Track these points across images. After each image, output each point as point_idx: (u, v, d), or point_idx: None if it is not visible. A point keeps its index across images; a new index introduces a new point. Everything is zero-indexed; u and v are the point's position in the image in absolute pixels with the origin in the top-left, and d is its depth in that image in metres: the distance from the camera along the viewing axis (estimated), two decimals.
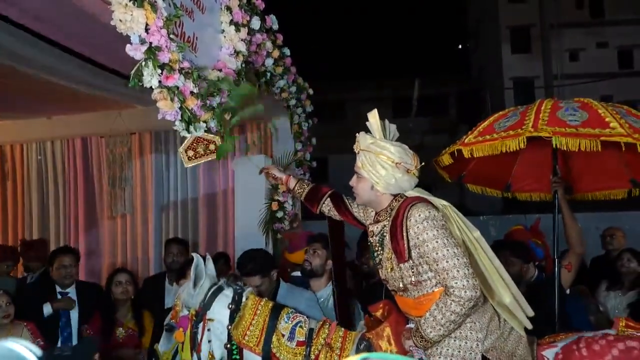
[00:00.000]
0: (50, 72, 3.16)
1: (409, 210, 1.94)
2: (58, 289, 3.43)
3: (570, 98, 2.91)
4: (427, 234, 1.90)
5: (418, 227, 1.91)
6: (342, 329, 2.29)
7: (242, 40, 2.87)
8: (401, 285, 2.02)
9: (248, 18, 3.01)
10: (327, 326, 2.28)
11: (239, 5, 2.88)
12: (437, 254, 1.88)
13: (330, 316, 2.73)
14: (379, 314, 2.21)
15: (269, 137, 5.05)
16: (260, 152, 4.97)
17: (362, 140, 2.09)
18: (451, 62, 25.95)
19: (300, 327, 2.27)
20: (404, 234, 1.94)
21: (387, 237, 2.04)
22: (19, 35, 2.56)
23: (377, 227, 2.12)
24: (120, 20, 1.76)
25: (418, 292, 2.01)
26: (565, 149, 2.56)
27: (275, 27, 3.60)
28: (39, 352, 0.52)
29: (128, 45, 1.83)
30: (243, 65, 2.90)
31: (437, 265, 1.89)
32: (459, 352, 1.94)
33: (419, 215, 1.92)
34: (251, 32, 3.10)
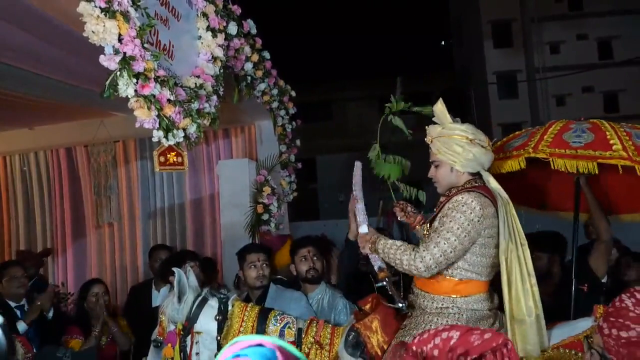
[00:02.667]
0: (26, 86, 3.17)
1: (464, 192, 2.07)
2: (12, 304, 3.32)
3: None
4: (451, 212, 2.03)
5: (451, 204, 2.05)
6: (330, 325, 2.34)
7: (219, 45, 2.90)
8: None
9: (225, 24, 3.04)
10: (314, 324, 2.33)
11: (215, 11, 2.91)
12: (440, 225, 2.04)
13: (326, 315, 2.76)
14: (367, 307, 2.27)
15: (253, 140, 5.08)
16: (245, 155, 5.00)
17: (432, 130, 2.21)
18: (435, 59, 26.14)
19: (289, 327, 2.31)
20: (443, 205, 2.10)
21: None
22: None
23: (444, 200, 2.20)
24: (93, 32, 1.78)
25: None
26: (564, 170, 2.58)
27: (254, 31, 3.63)
28: None
29: (102, 56, 1.85)
30: (221, 70, 2.93)
31: (433, 232, 2.05)
32: None
33: (461, 198, 2.04)
34: (228, 37, 3.12)
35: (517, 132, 3.02)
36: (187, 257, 3.35)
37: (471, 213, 1.99)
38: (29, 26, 2.27)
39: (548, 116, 20.92)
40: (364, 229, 2.29)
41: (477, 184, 2.13)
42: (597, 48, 21.40)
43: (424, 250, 2.01)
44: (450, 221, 2.02)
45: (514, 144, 2.81)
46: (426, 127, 2.24)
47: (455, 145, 2.11)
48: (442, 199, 2.22)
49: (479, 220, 2.00)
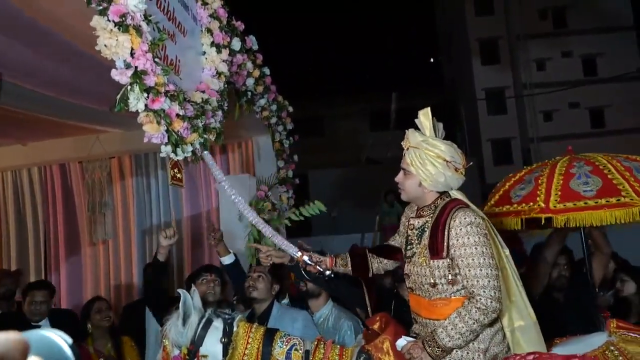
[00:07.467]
0: (20, 101, 3.13)
1: (455, 212, 1.97)
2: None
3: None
4: (468, 238, 1.92)
5: (460, 230, 1.93)
6: (338, 346, 2.28)
7: (223, 61, 2.89)
8: (431, 280, 1.99)
9: (228, 39, 3.03)
10: (322, 346, 2.25)
11: (219, 27, 2.90)
12: (473, 260, 1.90)
13: (331, 335, 2.72)
14: (376, 326, 2.21)
15: (251, 155, 5.05)
16: (242, 171, 4.96)
17: (412, 137, 2.07)
18: (424, 76, 26.50)
19: (296, 349, 2.23)
20: (445, 232, 1.96)
21: (427, 232, 2.04)
22: None
23: (418, 222, 2.11)
24: (106, 46, 1.76)
25: (438, 294, 1.99)
26: (582, 224, 2.53)
27: (255, 47, 3.64)
28: (69, 339, 0.56)
29: (113, 70, 1.83)
30: (225, 86, 2.91)
31: (469, 271, 1.90)
32: None
33: (465, 219, 1.93)
34: (232, 52, 3.12)
35: (519, 176, 2.90)
36: (202, 270, 3.24)
37: (480, 228, 1.96)
38: (29, 41, 2.24)
39: (536, 132, 21.20)
40: (401, 342, 2.02)
41: (450, 198, 2.07)
42: (582, 65, 21.88)
43: (482, 292, 1.86)
44: (475, 247, 1.91)
45: (519, 192, 2.75)
46: (407, 130, 2.10)
47: (430, 164, 2.00)
48: (414, 217, 2.13)
49: (485, 234, 1.99)
